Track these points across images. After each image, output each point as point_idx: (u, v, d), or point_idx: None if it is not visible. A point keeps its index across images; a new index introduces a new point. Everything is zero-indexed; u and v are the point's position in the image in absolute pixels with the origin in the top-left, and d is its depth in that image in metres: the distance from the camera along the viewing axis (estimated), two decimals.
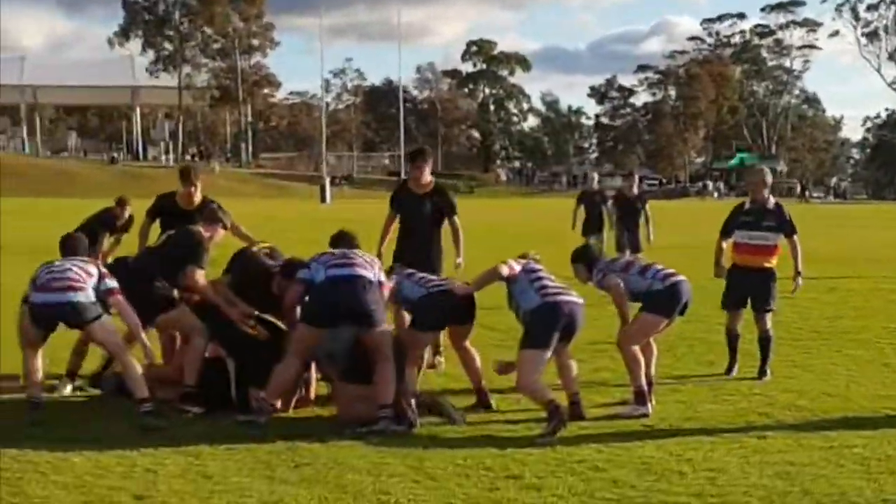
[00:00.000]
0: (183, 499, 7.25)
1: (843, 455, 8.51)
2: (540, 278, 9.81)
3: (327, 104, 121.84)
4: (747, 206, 12.44)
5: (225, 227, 10.68)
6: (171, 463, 8.09)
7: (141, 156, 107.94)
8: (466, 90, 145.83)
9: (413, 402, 9.46)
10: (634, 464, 8.28)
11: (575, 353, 10.20)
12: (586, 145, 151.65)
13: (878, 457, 8.47)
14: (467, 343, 10.38)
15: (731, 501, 7.39)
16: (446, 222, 12.12)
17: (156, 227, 11.72)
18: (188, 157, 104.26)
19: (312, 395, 10.19)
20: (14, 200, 54.30)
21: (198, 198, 11.60)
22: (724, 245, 12.58)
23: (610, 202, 21.97)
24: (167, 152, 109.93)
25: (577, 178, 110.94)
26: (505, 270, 9.82)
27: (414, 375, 9.99)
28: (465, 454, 8.47)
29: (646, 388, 10.17)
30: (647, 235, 20.59)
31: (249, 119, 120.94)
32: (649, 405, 10.10)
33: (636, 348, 10.27)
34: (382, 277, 9.68)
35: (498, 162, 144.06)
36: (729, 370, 12.17)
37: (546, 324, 9.46)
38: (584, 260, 10.74)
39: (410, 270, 10.48)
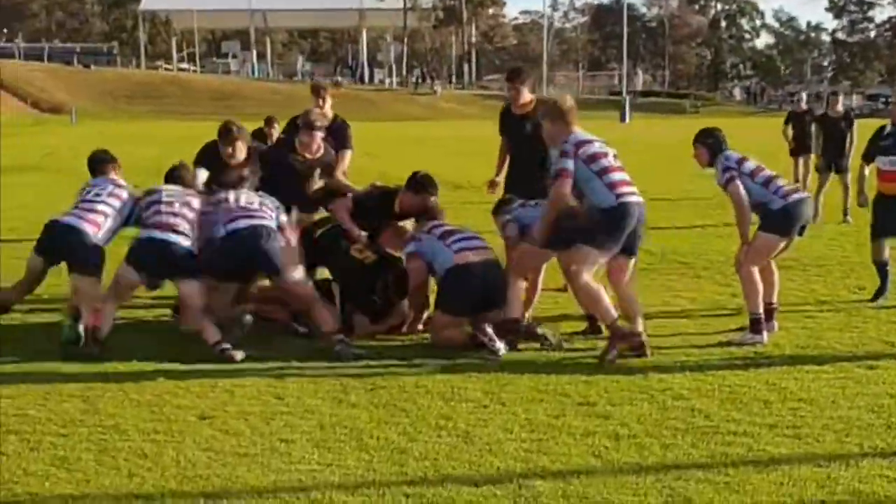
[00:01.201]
0: (247, 419, 7.29)
1: None
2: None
3: (551, 23, 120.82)
4: (888, 129, 11.77)
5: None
6: (250, 384, 8.15)
7: (367, 79, 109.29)
8: (697, 6, 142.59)
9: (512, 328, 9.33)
10: (722, 393, 7.99)
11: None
12: (825, 63, 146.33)
13: None
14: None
15: (804, 433, 7.04)
16: None
17: None
18: (412, 80, 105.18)
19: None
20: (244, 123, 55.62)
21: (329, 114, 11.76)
22: (867, 171, 11.98)
23: (814, 124, 21.00)
24: (390, 75, 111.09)
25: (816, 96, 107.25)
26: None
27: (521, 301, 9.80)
28: (549, 380, 8.30)
29: (762, 315, 9.72)
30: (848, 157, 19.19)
31: (474, 40, 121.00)
32: (765, 334, 9.67)
33: (755, 271, 9.82)
34: None
35: (735, 81, 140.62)
36: (875, 296, 11.59)
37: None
38: (708, 142, 10.12)
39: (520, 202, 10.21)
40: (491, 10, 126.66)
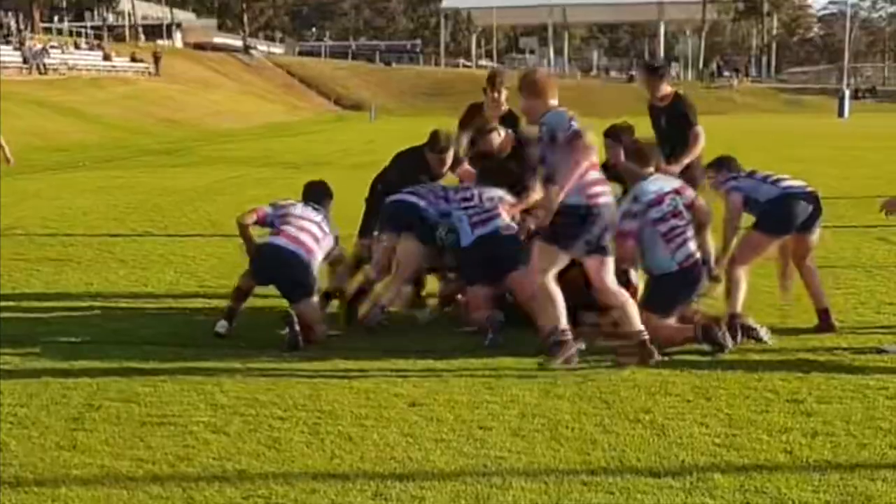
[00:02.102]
0: (454, 407, 7.65)
1: None
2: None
3: (855, 13, 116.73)
4: None
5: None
6: (466, 373, 8.52)
7: None
8: None
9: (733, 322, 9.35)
10: None
11: None
12: None
13: None
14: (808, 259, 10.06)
15: None
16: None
17: None
18: (707, 73, 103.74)
19: None
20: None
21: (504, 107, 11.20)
22: None
23: None
24: (686, 68, 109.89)
25: None
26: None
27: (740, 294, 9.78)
28: (761, 376, 8.34)
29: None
30: None
31: (775, 32, 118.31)
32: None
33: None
34: None
35: None
36: None
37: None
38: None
39: None
40: (796, 1, 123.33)
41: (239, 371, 8.59)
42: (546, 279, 8.68)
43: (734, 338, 9.18)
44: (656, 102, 11.57)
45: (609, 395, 7.93)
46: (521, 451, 6.70)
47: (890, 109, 77.43)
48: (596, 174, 8.74)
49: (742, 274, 9.64)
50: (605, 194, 8.74)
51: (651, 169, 9.56)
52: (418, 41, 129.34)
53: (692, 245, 9.32)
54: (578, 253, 8.74)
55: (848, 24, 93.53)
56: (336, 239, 10.34)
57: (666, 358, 8.83)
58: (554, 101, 8.86)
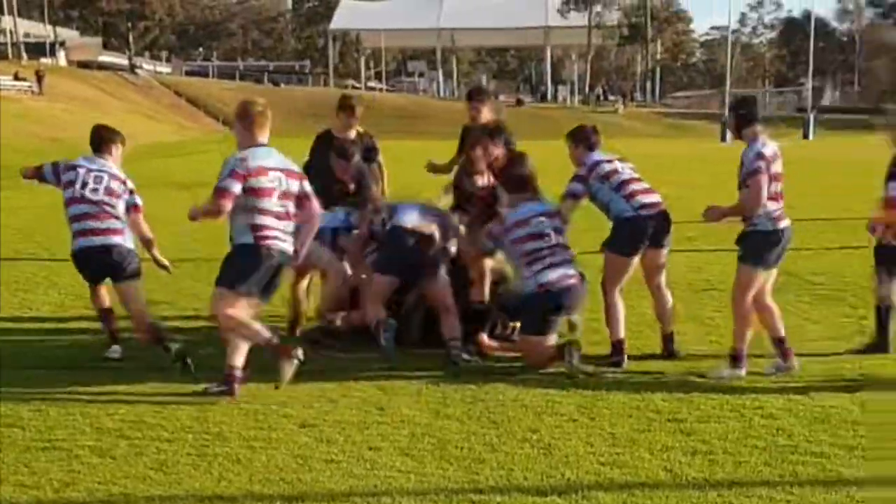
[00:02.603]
0: (344, 428, 7.73)
1: None
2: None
3: (736, 39, 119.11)
4: None
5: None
6: (357, 394, 8.61)
7: (549, 97, 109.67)
8: (892, 20, 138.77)
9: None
10: (813, 413, 8.11)
11: None
12: None
13: None
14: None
15: (880, 455, 7.13)
16: None
17: None
18: (593, 97, 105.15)
19: None
20: (417, 143, 56.55)
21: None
22: None
23: None
24: (573, 93, 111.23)
25: None
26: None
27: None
28: (644, 397, 8.56)
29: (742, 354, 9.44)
30: None
31: (659, 56, 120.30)
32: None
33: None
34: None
35: None
36: None
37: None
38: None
39: None
40: (679, 27, 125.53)
41: (125, 394, 8.59)
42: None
43: (619, 364, 9.52)
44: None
45: (497, 415, 8.07)
46: (410, 471, 6.81)
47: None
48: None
49: (617, 297, 9.83)
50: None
51: (527, 195, 9.74)
52: (307, 62, 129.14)
53: (560, 269, 9.46)
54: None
55: (729, 50, 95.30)
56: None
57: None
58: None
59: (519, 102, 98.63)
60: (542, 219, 9.57)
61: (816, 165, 38.79)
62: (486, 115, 11.50)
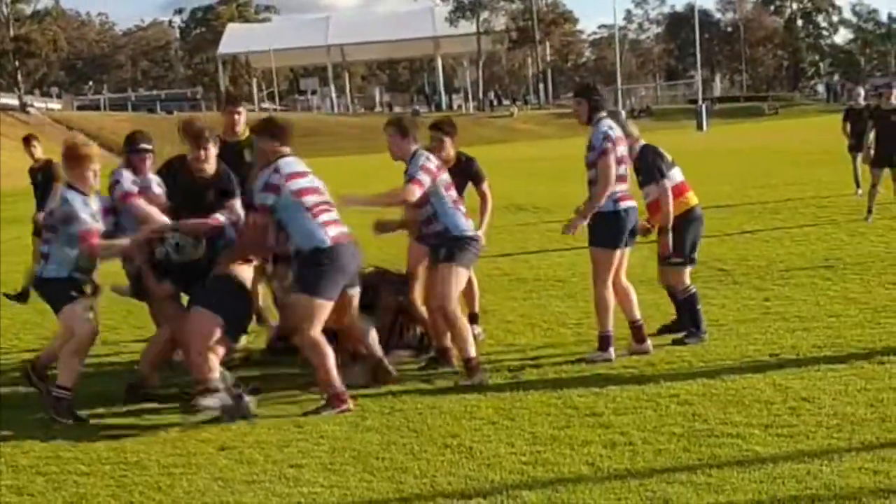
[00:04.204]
0: (263, 448, 7.68)
1: None
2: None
3: (624, 36, 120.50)
4: None
5: None
6: (268, 414, 8.57)
7: (444, 105, 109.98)
8: (772, 7, 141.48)
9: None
10: (727, 396, 8.23)
11: None
12: None
13: None
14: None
15: (797, 432, 7.26)
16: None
17: None
18: (487, 103, 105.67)
19: None
20: (322, 160, 56.40)
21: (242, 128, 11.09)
22: None
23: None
24: (467, 100, 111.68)
25: None
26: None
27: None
28: (560, 394, 8.62)
29: (610, 333, 9.79)
30: None
31: (549, 59, 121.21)
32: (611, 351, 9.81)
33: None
34: None
35: (815, 80, 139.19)
36: None
37: None
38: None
39: None
40: (565, 27, 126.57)
41: (38, 430, 8.47)
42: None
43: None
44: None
45: (417, 423, 8.08)
46: (333, 486, 6.78)
47: (665, 128, 79.85)
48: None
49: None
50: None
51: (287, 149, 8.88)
52: (199, 88, 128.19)
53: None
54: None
55: (617, 47, 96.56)
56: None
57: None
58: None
59: (415, 114, 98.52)
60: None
61: (712, 155, 39.35)
62: (450, 148, 10.75)
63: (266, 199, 8.58)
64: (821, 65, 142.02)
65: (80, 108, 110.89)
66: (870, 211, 18.31)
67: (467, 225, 9.44)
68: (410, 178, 9.18)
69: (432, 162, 9.32)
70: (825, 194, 22.83)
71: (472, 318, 11.14)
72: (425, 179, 9.14)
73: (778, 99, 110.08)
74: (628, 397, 8.40)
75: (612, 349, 9.72)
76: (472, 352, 9.20)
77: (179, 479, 7.09)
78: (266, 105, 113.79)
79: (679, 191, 10.37)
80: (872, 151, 19.10)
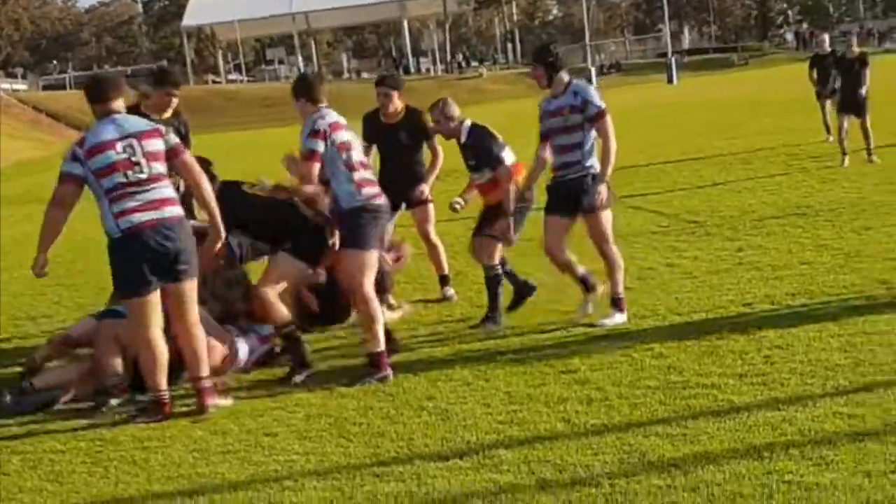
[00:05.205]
0: (237, 417, 7.66)
1: None
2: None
3: None
4: None
5: None
6: (247, 382, 8.60)
7: (412, 69, 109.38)
8: None
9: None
10: (701, 348, 8.23)
11: None
12: None
13: None
14: None
15: (771, 379, 7.27)
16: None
17: None
18: (455, 65, 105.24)
19: None
20: (284, 130, 56.14)
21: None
22: None
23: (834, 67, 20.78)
24: (435, 63, 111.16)
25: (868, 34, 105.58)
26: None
27: None
28: (535, 353, 8.65)
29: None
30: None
31: (516, 18, 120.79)
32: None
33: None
34: None
35: (784, 28, 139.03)
36: None
37: None
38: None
39: None
40: None
41: None
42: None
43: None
44: (386, 120, 11.05)
45: (392, 387, 8.08)
46: (309, 452, 6.76)
47: (635, 82, 79.91)
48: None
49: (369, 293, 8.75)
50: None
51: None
52: (164, 62, 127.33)
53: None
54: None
55: (584, 3, 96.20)
56: None
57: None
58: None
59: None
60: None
61: (683, 108, 39.37)
62: (398, 102, 10.98)
63: (315, 146, 8.47)
64: (789, 13, 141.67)
65: (45, 87, 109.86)
66: (844, 153, 18.36)
67: (363, 191, 8.58)
68: (303, 155, 8.58)
69: (324, 120, 8.58)
70: (796, 142, 22.85)
71: (444, 280, 11.16)
72: (318, 146, 8.50)
73: (747, 49, 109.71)
74: (603, 353, 8.39)
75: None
76: (380, 347, 8.43)
77: (155, 452, 7.07)
78: (233, 76, 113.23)
79: (516, 171, 10.02)
80: (838, 98, 19.27)
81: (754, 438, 6.17)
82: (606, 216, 9.50)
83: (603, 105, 9.35)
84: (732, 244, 12.41)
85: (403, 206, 10.95)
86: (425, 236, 11.19)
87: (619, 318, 9.40)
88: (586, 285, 9.60)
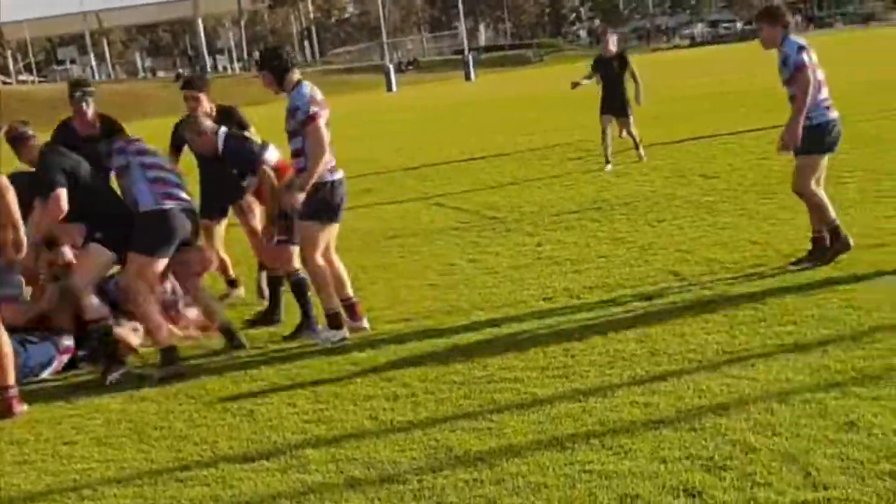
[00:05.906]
0: (34, 426, 7.43)
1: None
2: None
3: None
4: None
5: None
6: (42, 391, 8.32)
7: (209, 67, 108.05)
8: None
9: None
10: (505, 342, 8.34)
11: None
12: None
13: None
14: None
15: (571, 372, 7.38)
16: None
17: None
18: (252, 63, 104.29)
19: None
20: None
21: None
22: None
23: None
24: (231, 61, 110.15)
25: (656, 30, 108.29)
26: None
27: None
28: (338, 349, 8.61)
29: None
30: (636, 96, 18.38)
31: (312, 16, 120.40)
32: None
33: None
34: None
35: (577, 24, 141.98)
36: None
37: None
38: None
39: None
40: None
41: None
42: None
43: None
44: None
45: (194, 389, 7.96)
46: (109, 460, 6.61)
47: (433, 79, 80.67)
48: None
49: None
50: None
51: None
52: None
53: None
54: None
55: (380, 0, 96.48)
56: None
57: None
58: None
59: (178, 77, 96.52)
60: None
61: (482, 105, 39.77)
62: (205, 105, 10.63)
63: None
64: (581, 10, 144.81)
65: None
66: (607, 161, 18.23)
67: (163, 195, 8.62)
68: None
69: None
70: (590, 138, 23.18)
71: (232, 283, 11.04)
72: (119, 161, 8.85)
73: (543, 46, 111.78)
74: (409, 350, 8.41)
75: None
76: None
77: None
78: (24, 77, 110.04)
79: (283, 169, 9.75)
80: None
81: (557, 430, 6.25)
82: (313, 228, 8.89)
83: (312, 110, 8.56)
84: (532, 239, 12.58)
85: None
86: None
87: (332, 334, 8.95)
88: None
